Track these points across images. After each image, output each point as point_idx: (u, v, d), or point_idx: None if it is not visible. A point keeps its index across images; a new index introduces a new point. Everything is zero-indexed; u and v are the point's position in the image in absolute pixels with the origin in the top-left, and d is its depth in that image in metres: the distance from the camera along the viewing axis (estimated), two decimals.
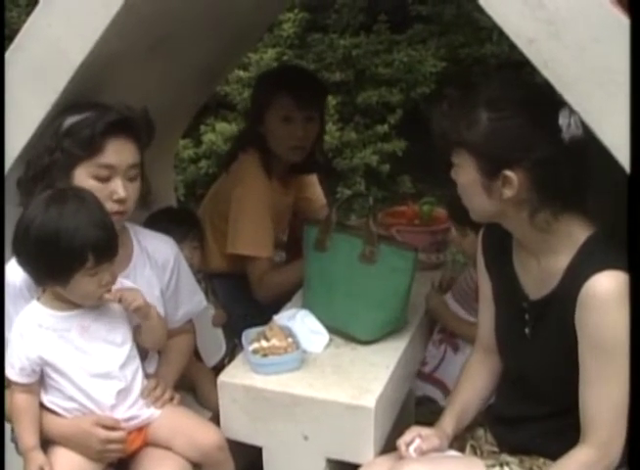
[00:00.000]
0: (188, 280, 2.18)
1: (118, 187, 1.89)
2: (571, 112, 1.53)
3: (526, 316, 1.77)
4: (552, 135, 1.55)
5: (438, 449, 1.82)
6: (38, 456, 1.79)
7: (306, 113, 2.76)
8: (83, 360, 1.82)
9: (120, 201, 1.89)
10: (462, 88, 1.74)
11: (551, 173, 1.57)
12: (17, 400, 1.81)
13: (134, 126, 1.93)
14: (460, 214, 2.27)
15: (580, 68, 1.44)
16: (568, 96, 1.46)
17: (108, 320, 1.86)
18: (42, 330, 1.81)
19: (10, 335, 1.83)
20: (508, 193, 1.60)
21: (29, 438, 1.80)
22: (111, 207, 1.88)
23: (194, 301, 2.21)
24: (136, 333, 1.92)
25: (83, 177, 1.89)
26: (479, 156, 1.62)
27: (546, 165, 1.56)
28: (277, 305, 2.36)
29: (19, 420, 1.82)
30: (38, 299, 1.84)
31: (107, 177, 1.89)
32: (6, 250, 1.93)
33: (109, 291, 1.79)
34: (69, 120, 1.91)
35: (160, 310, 2.04)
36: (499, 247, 1.83)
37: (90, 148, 1.87)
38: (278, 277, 2.70)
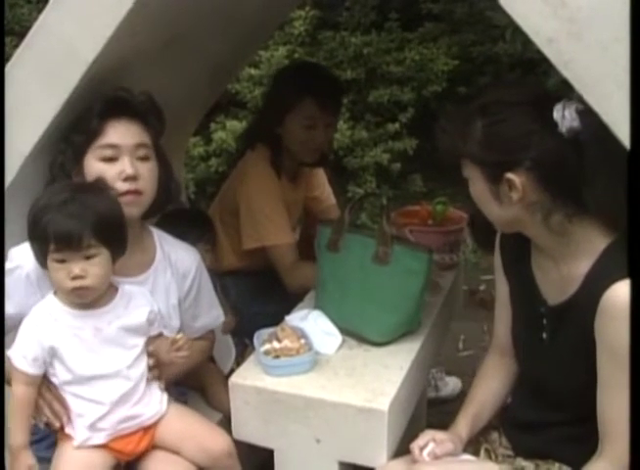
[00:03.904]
0: (208, 293, 2.16)
1: (126, 165, 1.88)
2: (565, 105, 1.53)
3: (544, 321, 1.75)
4: (549, 132, 1.54)
5: (452, 454, 1.80)
6: (27, 456, 1.78)
7: (328, 119, 2.79)
8: (92, 359, 1.81)
9: (129, 178, 1.88)
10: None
11: (554, 170, 1.55)
12: (18, 393, 1.79)
13: (135, 108, 1.94)
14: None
15: (602, 68, 1.41)
16: (588, 97, 1.44)
17: (123, 325, 1.84)
18: (57, 324, 1.80)
19: (21, 327, 1.81)
20: (515, 196, 1.59)
21: (21, 436, 1.78)
22: (121, 187, 1.87)
23: (212, 314, 2.18)
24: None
25: (92, 162, 1.90)
26: (480, 164, 1.63)
27: (547, 163, 1.55)
28: (292, 303, 2.36)
29: (14, 414, 1.79)
30: (55, 293, 1.84)
31: (112, 157, 1.89)
32: (6, 250, 1.93)
33: (82, 289, 1.76)
34: (76, 119, 1.93)
35: (176, 319, 2.04)
36: (517, 250, 1.81)
37: (91, 131, 1.89)
38: (311, 266, 2.63)
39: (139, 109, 1.95)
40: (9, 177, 2.00)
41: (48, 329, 1.79)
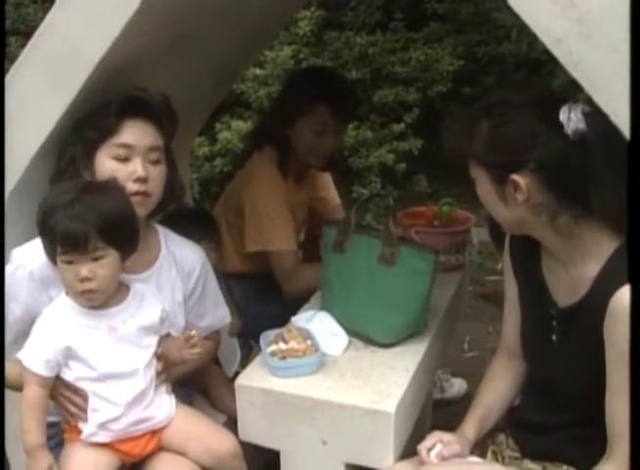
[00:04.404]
0: (214, 292, 2.16)
1: (138, 166, 1.88)
2: (572, 106, 1.52)
3: (554, 323, 1.75)
4: (554, 133, 1.53)
5: (460, 455, 1.79)
6: (45, 456, 1.75)
7: (339, 127, 2.80)
8: (108, 358, 1.80)
9: (140, 180, 1.88)
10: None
11: (560, 172, 1.55)
12: (30, 394, 1.77)
13: (151, 109, 1.94)
14: None
15: (611, 69, 1.40)
16: (597, 97, 1.43)
17: (136, 324, 1.84)
18: (70, 324, 1.79)
19: (34, 328, 1.81)
20: (520, 198, 1.59)
21: (37, 436, 1.76)
22: (131, 187, 1.88)
23: (217, 314, 2.18)
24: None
25: (104, 159, 1.90)
26: (485, 165, 1.63)
27: (552, 164, 1.54)
28: (297, 305, 2.34)
29: (28, 415, 1.77)
30: (67, 293, 1.83)
31: (126, 157, 1.89)
32: (6, 250, 1.93)
33: (90, 293, 1.76)
34: (92, 114, 1.93)
35: (181, 317, 2.03)
36: (527, 251, 1.80)
37: (107, 129, 1.89)
38: (311, 272, 2.66)
39: (155, 110, 1.95)
40: (14, 179, 2.00)
41: (62, 329, 1.79)
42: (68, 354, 1.79)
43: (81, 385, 1.82)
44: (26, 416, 1.77)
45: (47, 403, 1.80)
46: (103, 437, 1.82)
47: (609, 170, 1.52)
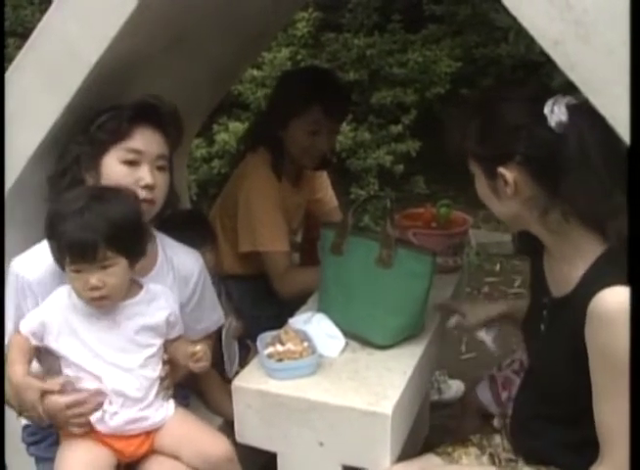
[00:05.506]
0: (211, 297, 2.16)
1: (146, 173, 1.89)
2: (557, 99, 1.53)
3: (544, 313, 1.75)
4: (540, 126, 1.54)
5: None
6: (34, 381, 1.74)
7: (334, 126, 2.81)
8: (104, 351, 1.81)
9: (148, 187, 1.89)
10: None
11: (546, 165, 1.55)
12: (14, 340, 1.80)
13: (161, 117, 1.95)
14: None
15: (608, 71, 1.40)
16: (594, 100, 1.44)
17: (141, 322, 1.84)
18: (75, 311, 1.81)
19: (43, 304, 1.84)
20: (509, 191, 1.60)
21: (21, 367, 1.76)
22: (138, 194, 1.88)
23: (213, 318, 2.18)
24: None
25: (112, 162, 1.90)
26: (477, 159, 1.66)
27: (538, 157, 1.55)
28: (293, 306, 2.34)
29: (12, 354, 1.78)
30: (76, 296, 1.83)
31: (135, 161, 1.89)
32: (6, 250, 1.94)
33: (101, 298, 1.76)
34: (103, 117, 1.92)
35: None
36: (533, 241, 1.79)
37: (118, 133, 1.89)
38: (304, 275, 2.68)
39: (165, 119, 1.96)
40: (11, 179, 2.00)
41: (64, 313, 1.80)
42: (64, 336, 1.80)
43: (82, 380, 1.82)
44: (9, 357, 1.78)
45: (29, 347, 1.80)
46: (103, 427, 1.82)
47: (587, 164, 1.51)
